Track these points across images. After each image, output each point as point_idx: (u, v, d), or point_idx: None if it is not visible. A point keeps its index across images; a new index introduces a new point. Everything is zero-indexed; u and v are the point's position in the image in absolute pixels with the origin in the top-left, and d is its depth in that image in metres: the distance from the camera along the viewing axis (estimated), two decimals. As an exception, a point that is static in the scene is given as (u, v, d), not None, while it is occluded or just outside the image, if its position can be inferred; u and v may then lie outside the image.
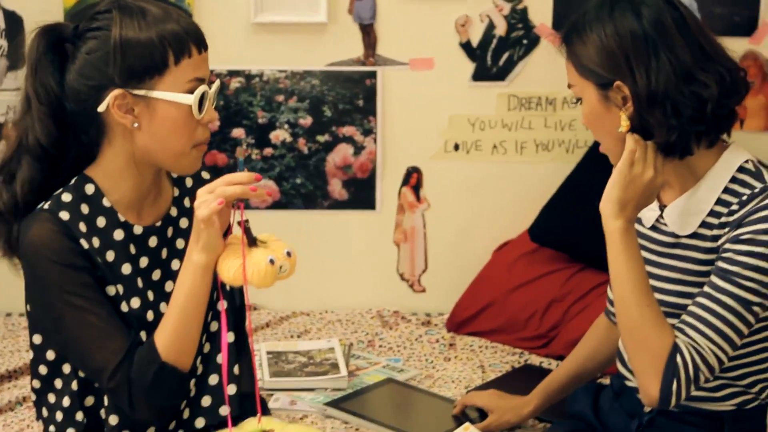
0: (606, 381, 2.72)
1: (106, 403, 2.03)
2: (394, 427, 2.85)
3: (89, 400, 2.05)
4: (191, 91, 1.95)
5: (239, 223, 1.89)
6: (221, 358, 2.08)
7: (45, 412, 2.08)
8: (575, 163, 3.68)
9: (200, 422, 2.14)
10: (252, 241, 1.90)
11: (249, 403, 2.19)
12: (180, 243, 2.10)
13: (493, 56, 3.70)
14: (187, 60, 1.95)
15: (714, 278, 2.06)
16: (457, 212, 3.82)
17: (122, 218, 2.01)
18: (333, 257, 3.83)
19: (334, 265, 3.83)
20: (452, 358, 3.41)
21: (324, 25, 3.64)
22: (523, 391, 2.71)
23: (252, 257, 1.88)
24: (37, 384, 2.08)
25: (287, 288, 1.98)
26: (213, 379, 2.12)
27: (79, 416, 2.05)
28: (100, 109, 1.95)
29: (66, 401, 2.04)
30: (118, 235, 2.00)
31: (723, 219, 2.09)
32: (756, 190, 2.07)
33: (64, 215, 1.94)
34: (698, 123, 2.07)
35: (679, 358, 2.02)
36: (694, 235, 2.14)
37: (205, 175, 2.19)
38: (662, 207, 2.20)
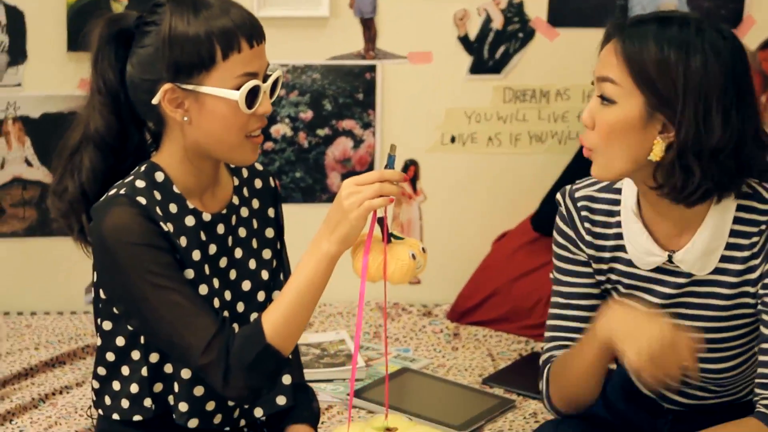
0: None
1: (176, 389, 2.03)
2: (420, 414, 2.88)
3: (158, 387, 2.04)
4: (241, 86, 1.95)
5: (379, 219, 1.86)
6: None
7: (108, 400, 2.07)
8: (568, 154, 3.74)
9: (258, 412, 2.15)
10: (389, 238, 1.86)
11: (301, 394, 2.21)
12: (242, 232, 2.11)
13: (490, 49, 3.75)
14: (236, 55, 1.95)
15: None
16: (452, 204, 3.86)
17: (191, 205, 2.02)
18: (330, 250, 3.83)
19: (332, 258, 3.85)
20: (459, 347, 3.45)
21: (326, 20, 3.65)
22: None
23: (393, 252, 1.83)
24: (102, 371, 2.07)
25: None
26: None
27: (147, 402, 2.04)
28: (154, 101, 1.96)
29: (134, 388, 2.03)
30: (190, 221, 2.00)
31: (746, 251, 2.01)
32: None
33: (141, 200, 1.94)
34: (740, 180, 1.98)
35: None
36: (716, 271, 2.04)
37: (258, 166, 2.21)
38: (670, 252, 2.05)
